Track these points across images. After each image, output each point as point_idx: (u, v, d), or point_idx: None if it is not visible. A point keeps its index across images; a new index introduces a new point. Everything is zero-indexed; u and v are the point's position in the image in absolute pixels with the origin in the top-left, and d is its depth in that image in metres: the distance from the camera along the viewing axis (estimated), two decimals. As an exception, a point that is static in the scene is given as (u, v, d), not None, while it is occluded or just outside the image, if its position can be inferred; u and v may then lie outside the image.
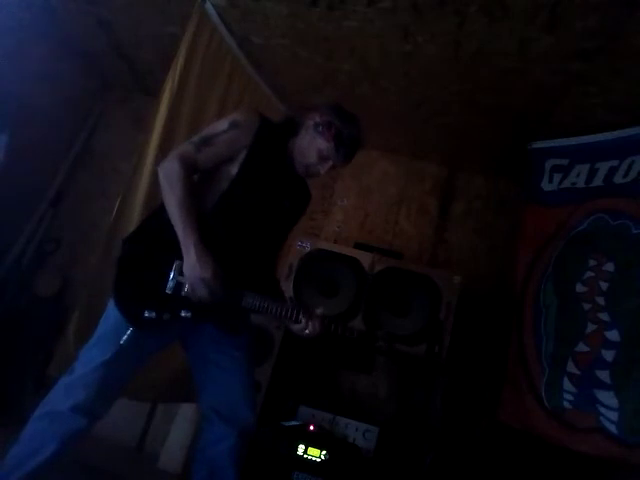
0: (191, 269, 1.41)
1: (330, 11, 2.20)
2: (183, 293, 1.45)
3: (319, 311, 1.51)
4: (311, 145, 1.58)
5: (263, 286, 1.55)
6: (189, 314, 1.45)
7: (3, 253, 3.14)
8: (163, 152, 2.25)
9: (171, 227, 1.43)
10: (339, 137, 1.57)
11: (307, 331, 1.48)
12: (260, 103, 2.82)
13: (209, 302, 1.44)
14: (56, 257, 3.30)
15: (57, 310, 3.06)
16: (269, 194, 1.58)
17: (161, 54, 2.92)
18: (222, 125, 1.54)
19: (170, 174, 1.46)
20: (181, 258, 1.44)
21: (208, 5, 2.35)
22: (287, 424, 2.38)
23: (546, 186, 2.65)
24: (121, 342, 1.41)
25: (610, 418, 2.02)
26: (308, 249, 2.66)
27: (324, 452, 2.27)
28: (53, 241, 3.31)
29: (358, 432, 2.45)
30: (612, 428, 2.00)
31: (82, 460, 2.11)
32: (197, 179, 1.56)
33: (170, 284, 1.45)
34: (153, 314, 1.43)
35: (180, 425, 2.76)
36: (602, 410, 2.05)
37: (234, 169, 1.52)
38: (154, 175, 2.22)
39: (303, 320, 1.48)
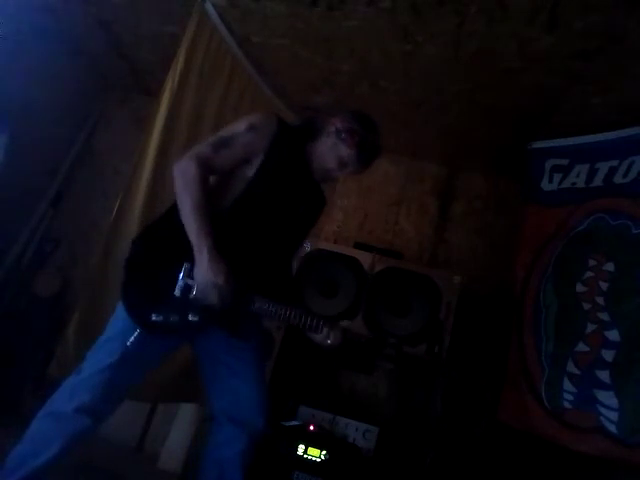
0: (203, 274, 1.39)
1: (330, 11, 2.20)
2: (191, 296, 1.44)
3: (343, 324, 1.55)
4: (332, 151, 1.57)
5: (278, 290, 1.54)
6: (197, 318, 1.44)
7: (3, 253, 3.14)
8: (163, 152, 2.25)
9: (182, 229, 1.41)
10: (361, 144, 1.56)
11: (329, 341, 1.50)
12: (260, 103, 2.82)
13: (218, 307, 1.43)
14: (56, 257, 3.30)
15: (57, 310, 3.06)
16: (285, 198, 1.57)
17: (161, 54, 2.92)
18: (239, 127, 1.52)
19: (186, 174, 1.43)
20: (190, 260, 1.43)
21: (208, 5, 2.35)
22: (287, 424, 2.38)
23: (546, 186, 2.65)
24: (127, 344, 1.41)
25: (610, 418, 2.02)
26: (308, 249, 2.66)
27: (324, 452, 2.26)
28: (53, 241, 3.31)
29: (358, 432, 2.45)
30: (612, 428, 2.00)
31: (82, 460, 2.11)
32: (213, 181, 1.55)
33: (178, 287, 1.43)
34: (161, 317, 1.42)
35: (180, 425, 2.76)
36: (602, 410, 2.05)
37: (251, 172, 1.51)
38: (154, 175, 2.23)
39: (325, 330, 1.50)
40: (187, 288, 1.44)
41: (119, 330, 1.45)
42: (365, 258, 2.62)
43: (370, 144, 1.59)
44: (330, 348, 1.51)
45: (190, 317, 1.44)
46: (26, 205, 3.27)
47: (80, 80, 3.43)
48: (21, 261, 3.17)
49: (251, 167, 1.51)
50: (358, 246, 2.79)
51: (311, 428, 2.37)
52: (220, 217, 1.46)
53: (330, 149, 1.57)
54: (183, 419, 2.76)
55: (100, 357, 1.45)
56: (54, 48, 3.13)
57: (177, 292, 1.43)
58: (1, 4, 2.72)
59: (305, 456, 2.26)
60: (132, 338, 1.41)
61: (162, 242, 1.49)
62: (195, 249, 1.40)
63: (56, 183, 3.41)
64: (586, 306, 2.27)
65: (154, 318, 1.41)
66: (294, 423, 2.41)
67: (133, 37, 2.92)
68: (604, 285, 2.24)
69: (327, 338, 1.50)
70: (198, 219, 1.40)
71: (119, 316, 1.47)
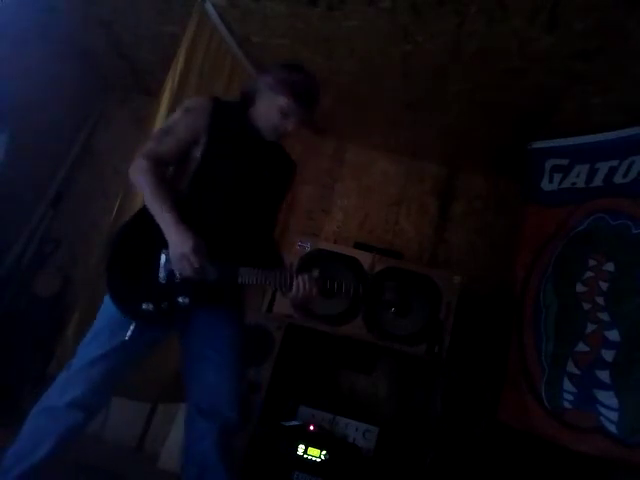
0: (172, 247, 1.43)
1: (330, 11, 2.20)
2: (176, 280, 1.46)
3: (315, 273, 1.52)
4: (271, 106, 1.60)
5: (261, 258, 1.57)
6: (187, 300, 1.46)
7: (3, 253, 3.14)
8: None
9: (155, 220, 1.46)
10: (295, 90, 1.58)
11: (300, 293, 1.49)
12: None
13: (197, 279, 1.45)
14: (56, 257, 3.30)
15: (57, 310, 3.06)
16: (241, 167, 1.60)
17: (161, 54, 2.92)
18: (176, 114, 1.60)
19: (138, 170, 1.50)
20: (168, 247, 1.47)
21: (208, 5, 2.35)
22: (287, 424, 2.38)
23: (546, 186, 2.65)
24: (125, 338, 1.42)
25: (610, 418, 2.02)
26: (308, 249, 2.66)
27: (324, 452, 2.27)
28: (53, 241, 3.31)
29: (358, 432, 2.45)
30: (612, 428, 2.00)
31: (82, 460, 2.11)
32: (172, 170, 1.60)
33: (162, 274, 1.46)
34: (151, 306, 1.44)
35: (180, 425, 2.75)
36: (602, 410, 2.05)
37: (198, 152, 1.56)
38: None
39: (295, 284, 1.49)
40: (171, 273, 1.46)
41: (108, 323, 1.48)
42: (365, 258, 2.62)
43: (304, 87, 1.60)
44: (304, 302, 1.52)
45: (180, 300, 1.46)
46: (26, 205, 3.27)
47: (80, 80, 3.42)
48: (21, 261, 3.17)
49: (198, 147, 1.56)
50: (358, 246, 2.80)
51: (311, 428, 2.37)
52: (183, 199, 1.51)
53: (268, 105, 1.60)
54: (183, 419, 2.75)
55: (90, 350, 1.46)
56: (54, 48, 3.12)
57: (162, 279, 1.46)
58: (1, 4, 2.72)
59: (305, 456, 2.26)
60: (129, 332, 1.42)
61: (141, 234, 1.52)
62: (162, 227, 1.44)
63: (56, 183, 3.41)
64: (586, 306, 2.27)
65: (144, 307, 1.44)
66: (294, 423, 2.41)
67: (133, 37, 2.92)
68: (604, 285, 2.24)
69: (298, 291, 1.50)
70: (158, 199, 1.46)
71: (107, 309, 1.49)
